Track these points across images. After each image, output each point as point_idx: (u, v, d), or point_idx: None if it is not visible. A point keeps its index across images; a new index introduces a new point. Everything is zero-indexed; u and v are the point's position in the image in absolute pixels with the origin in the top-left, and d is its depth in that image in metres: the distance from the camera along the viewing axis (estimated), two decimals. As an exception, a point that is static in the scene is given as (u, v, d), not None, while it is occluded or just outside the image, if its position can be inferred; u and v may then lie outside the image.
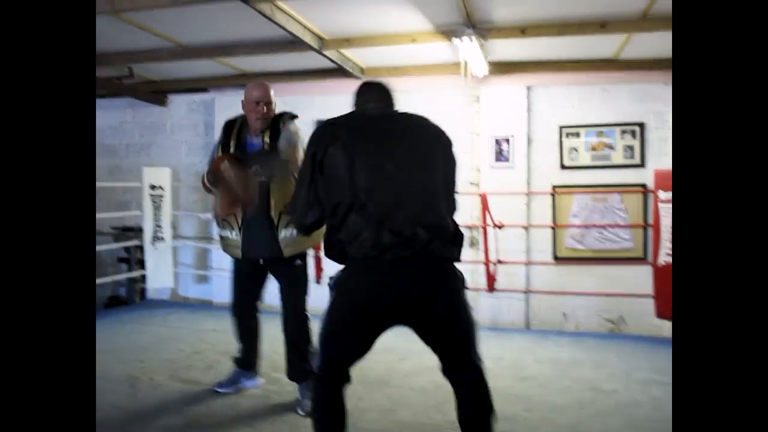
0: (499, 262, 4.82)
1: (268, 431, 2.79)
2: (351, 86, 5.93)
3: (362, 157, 1.98)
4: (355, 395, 3.23)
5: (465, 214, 5.28)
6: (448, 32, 4.15)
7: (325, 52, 4.56)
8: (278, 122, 3.04)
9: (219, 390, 3.22)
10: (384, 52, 4.78)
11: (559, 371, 3.76)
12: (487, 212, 4.84)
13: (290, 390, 3.18)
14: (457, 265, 2.06)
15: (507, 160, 5.20)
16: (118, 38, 4.53)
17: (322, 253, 4.97)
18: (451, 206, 2.10)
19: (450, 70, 5.16)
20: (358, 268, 1.99)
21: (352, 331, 2.01)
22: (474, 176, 5.29)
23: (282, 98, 5.82)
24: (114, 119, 6.72)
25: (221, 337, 4.48)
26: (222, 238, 3.10)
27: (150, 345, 4.16)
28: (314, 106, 5.77)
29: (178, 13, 3.82)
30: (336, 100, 5.63)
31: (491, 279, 4.84)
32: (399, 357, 3.93)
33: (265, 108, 3.01)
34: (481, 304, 5.24)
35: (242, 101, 3.09)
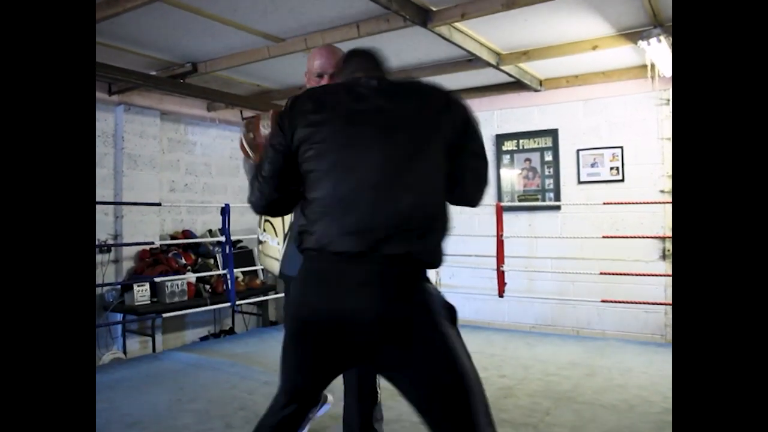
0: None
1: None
2: (529, 99, 5.89)
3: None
4: (541, 410, 3.19)
5: (655, 225, 4.96)
6: (633, 35, 3.96)
7: (503, 67, 4.60)
8: None
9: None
10: (562, 61, 4.69)
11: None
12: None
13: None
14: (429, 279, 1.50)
15: (703, 165, 4.79)
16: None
17: (505, 267, 4.98)
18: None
19: (634, 74, 4.92)
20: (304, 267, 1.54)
21: (289, 356, 1.55)
22: (666, 184, 4.95)
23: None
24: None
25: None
26: None
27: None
28: (494, 120, 5.82)
29: (361, 44, 4.09)
30: (515, 114, 5.71)
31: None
32: (586, 372, 3.80)
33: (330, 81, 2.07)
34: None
35: (305, 73, 2.27)
